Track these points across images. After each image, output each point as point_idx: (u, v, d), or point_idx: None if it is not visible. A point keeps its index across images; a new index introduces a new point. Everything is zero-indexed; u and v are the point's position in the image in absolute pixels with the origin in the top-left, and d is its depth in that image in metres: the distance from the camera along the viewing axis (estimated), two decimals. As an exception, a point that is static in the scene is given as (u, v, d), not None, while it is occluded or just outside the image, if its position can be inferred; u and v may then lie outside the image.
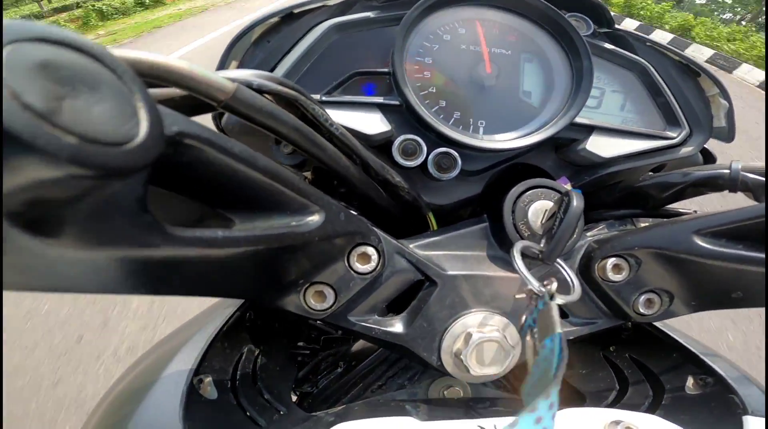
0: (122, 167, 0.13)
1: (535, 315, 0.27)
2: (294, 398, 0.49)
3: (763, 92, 5.18)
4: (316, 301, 0.31)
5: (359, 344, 0.52)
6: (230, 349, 0.42)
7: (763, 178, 0.35)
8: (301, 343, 0.51)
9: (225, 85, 0.23)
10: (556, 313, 0.26)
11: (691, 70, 0.46)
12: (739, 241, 0.30)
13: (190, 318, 0.50)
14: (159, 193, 0.21)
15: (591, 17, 0.45)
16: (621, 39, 0.46)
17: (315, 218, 0.25)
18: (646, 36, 0.47)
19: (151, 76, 0.21)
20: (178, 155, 0.19)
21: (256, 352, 0.44)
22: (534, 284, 0.28)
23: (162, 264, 0.21)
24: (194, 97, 0.23)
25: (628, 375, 0.45)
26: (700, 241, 0.30)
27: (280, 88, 0.27)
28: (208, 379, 0.37)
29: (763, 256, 0.29)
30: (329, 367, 0.50)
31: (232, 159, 0.20)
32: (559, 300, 0.28)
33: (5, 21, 0.12)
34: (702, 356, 0.41)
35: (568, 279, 0.30)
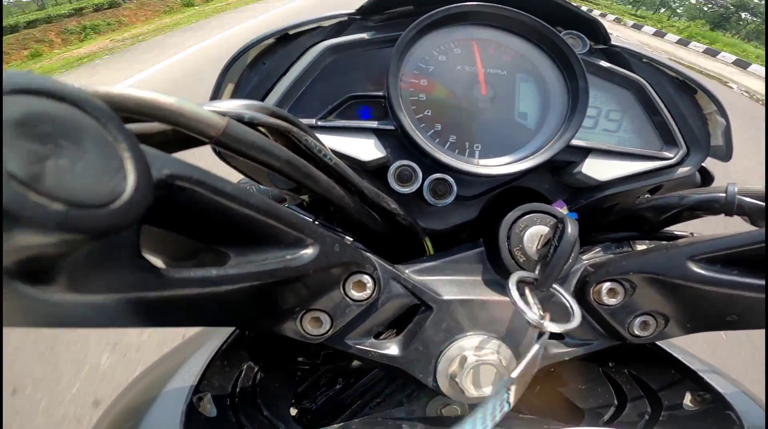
0: (111, 227, 0.13)
1: (538, 347, 0.28)
2: (294, 412, 0.49)
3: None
4: (312, 326, 0.31)
5: (358, 361, 0.52)
6: (230, 366, 0.43)
7: (761, 203, 0.35)
8: (300, 359, 0.51)
9: (215, 120, 0.23)
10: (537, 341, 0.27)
11: (688, 87, 0.45)
12: (734, 267, 0.30)
13: (190, 336, 0.51)
14: (152, 231, 0.21)
15: (587, 34, 0.45)
16: (617, 55, 0.45)
17: (309, 251, 0.25)
18: (642, 52, 0.46)
19: (138, 113, 0.21)
20: (169, 196, 0.19)
21: (256, 369, 0.44)
22: (533, 317, 0.28)
23: (158, 302, 0.21)
24: (180, 132, 0.23)
25: (627, 391, 0.45)
26: (694, 267, 0.30)
27: (272, 120, 0.27)
28: (208, 397, 0.37)
29: (758, 282, 0.29)
30: (328, 383, 0.50)
31: (224, 198, 0.21)
32: (557, 329, 0.28)
33: (18, 72, 0.13)
34: (700, 373, 0.42)
35: (568, 306, 0.30)
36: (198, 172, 0.20)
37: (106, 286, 0.18)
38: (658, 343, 0.45)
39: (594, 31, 0.44)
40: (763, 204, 0.35)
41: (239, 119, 0.25)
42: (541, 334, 0.29)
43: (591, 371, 0.47)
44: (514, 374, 0.27)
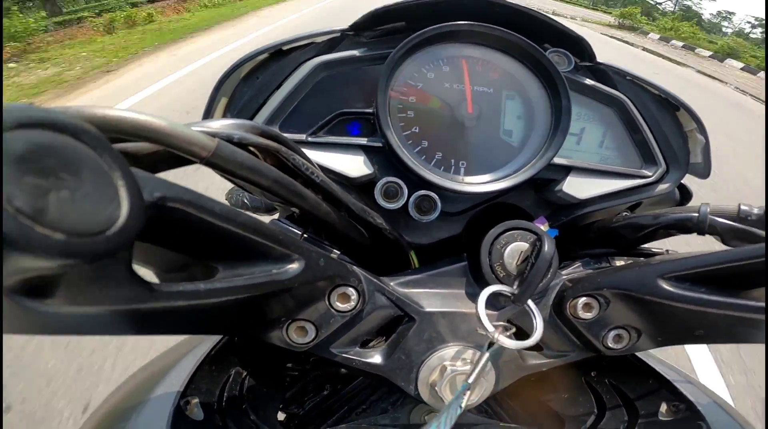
0: (107, 251, 0.15)
1: (486, 358, 0.30)
2: (281, 417, 0.50)
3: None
4: (297, 335, 0.32)
5: (344, 369, 0.53)
6: (218, 371, 0.44)
7: (732, 223, 0.36)
8: (289, 365, 0.52)
9: (205, 142, 0.24)
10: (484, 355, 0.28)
11: (670, 104, 0.47)
12: (702, 285, 0.31)
13: (179, 341, 0.52)
14: (144, 247, 0.22)
15: (573, 51, 0.46)
16: (602, 73, 0.47)
17: (295, 266, 0.26)
18: (626, 70, 0.47)
19: (132, 134, 0.22)
20: (160, 216, 0.20)
21: (244, 375, 0.45)
22: (488, 328, 0.29)
23: (150, 313, 0.22)
24: (172, 153, 0.24)
25: (606, 400, 0.46)
26: (664, 285, 0.32)
27: (261, 140, 0.28)
28: (195, 401, 0.38)
29: (723, 299, 0.30)
30: (316, 389, 0.51)
31: (213, 217, 0.22)
32: (509, 344, 0.29)
33: (7, 104, 0.13)
34: (676, 383, 0.43)
35: (534, 322, 0.31)
36: (187, 193, 0.21)
37: (100, 299, 0.19)
38: (637, 354, 0.46)
39: (580, 48, 0.46)
40: (734, 224, 0.36)
41: (229, 140, 0.26)
42: (490, 345, 0.30)
43: (574, 381, 0.48)
44: (470, 380, 0.28)
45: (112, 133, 0.20)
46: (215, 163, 0.24)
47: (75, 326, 0.21)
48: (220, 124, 0.27)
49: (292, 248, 0.26)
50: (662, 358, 0.48)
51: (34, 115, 0.14)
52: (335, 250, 0.38)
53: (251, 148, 0.29)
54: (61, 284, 0.17)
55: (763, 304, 0.29)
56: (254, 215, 0.25)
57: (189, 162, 0.25)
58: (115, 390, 0.47)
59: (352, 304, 0.32)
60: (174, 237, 0.22)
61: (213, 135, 0.25)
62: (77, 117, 0.18)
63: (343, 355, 0.35)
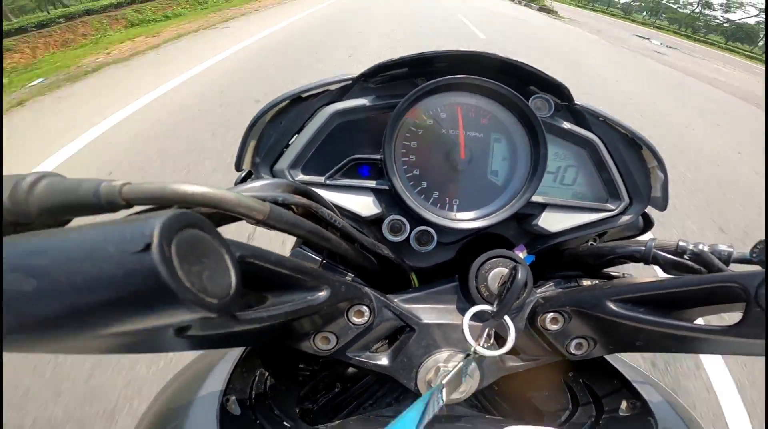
0: (231, 305, 0.22)
1: (462, 363, 0.38)
2: (298, 412, 0.58)
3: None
4: (322, 343, 0.40)
5: (353, 369, 0.61)
6: (247, 373, 0.51)
7: (672, 257, 0.43)
8: (302, 366, 0.60)
9: (261, 208, 0.31)
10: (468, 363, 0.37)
11: (635, 143, 0.53)
12: (641, 306, 0.39)
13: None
14: None
15: (555, 94, 0.52)
16: (578, 113, 0.53)
17: (323, 293, 0.35)
18: (599, 111, 0.53)
19: (206, 205, 0.28)
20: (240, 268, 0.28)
21: (266, 375, 0.53)
22: (470, 341, 0.38)
23: (232, 334, 0.31)
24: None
25: (579, 397, 0.53)
26: (611, 305, 0.39)
27: (298, 199, 0.36)
28: (233, 399, 0.46)
29: (656, 318, 0.38)
30: (327, 387, 0.59)
31: (271, 264, 0.30)
32: (486, 353, 0.37)
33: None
34: (636, 384, 0.50)
35: (509, 334, 0.40)
36: (256, 250, 0.29)
37: (211, 328, 0.27)
38: (607, 358, 0.54)
39: (560, 92, 0.52)
40: (673, 257, 0.43)
41: (275, 202, 0.34)
42: (467, 355, 0.39)
43: (554, 379, 0.56)
44: (445, 381, 0.37)
45: (199, 205, 0.28)
46: (268, 223, 0.32)
47: (191, 346, 0.30)
48: (263, 186, 0.35)
49: (321, 280, 0.35)
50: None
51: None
52: (349, 274, 0.46)
53: (291, 206, 0.37)
54: (195, 325, 0.25)
55: (690, 323, 0.36)
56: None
57: (238, 220, 0.33)
58: (161, 390, 0.54)
59: (366, 318, 0.40)
60: (245, 280, 0.30)
61: (263, 199, 0.33)
62: (187, 196, 0.26)
63: (357, 358, 0.43)
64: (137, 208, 0.26)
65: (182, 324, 0.22)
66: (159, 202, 0.26)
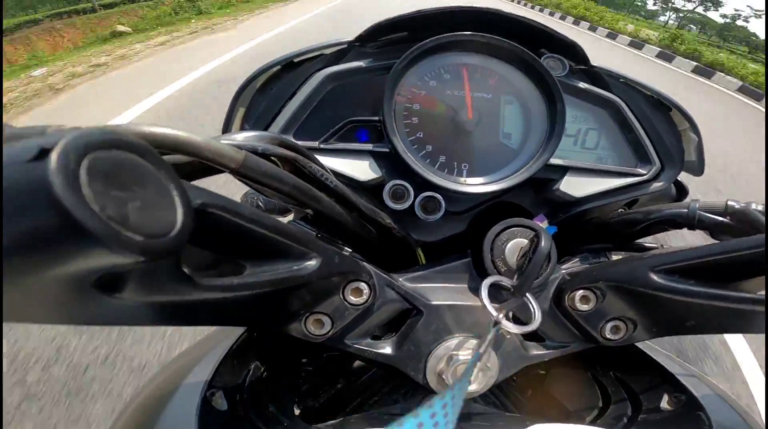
0: (170, 250, 0.17)
1: (491, 336, 0.32)
2: (297, 411, 0.53)
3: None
4: (315, 327, 0.35)
5: (358, 362, 0.56)
6: (239, 365, 0.47)
7: (719, 218, 0.38)
8: (304, 360, 0.55)
9: (234, 155, 0.27)
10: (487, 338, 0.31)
11: (663, 105, 0.48)
12: (691, 278, 0.33)
13: (202, 337, 0.55)
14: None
15: (568, 56, 0.48)
16: (596, 76, 0.49)
17: (313, 262, 0.29)
18: (619, 73, 0.49)
19: (173, 149, 0.25)
20: (201, 220, 0.23)
21: (262, 369, 0.48)
22: (492, 312, 0.32)
23: (190, 305, 0.25)
24: (206, 163, 0.27)
25: (611, 393, 0.48)
26: (655, 277, 0.34)
27: (281, 150, 0.31)
28: (219, 393, 0.41)
29: (711, 290, 0.32)
30: (329, 383, 0.54)
31: (244, 220, 0.25)
32: (513, 328, 0.32)
33: (86, 129, 0.16)
34: (678, 376, 0.44)
35: (533, 311, 0.34)
36: (223, 199, 0.24)
37: (156, 292, 0.22)
38: (641, 347, 0.48)
39: (574, 53, 0.48)
40: (722, 219, 0.38)
41: (254, 151, 0.29)
42: (495, 324, 0.33)
43: (580, 374, 0.50)
44: (481, 349, 0.31)
45: (158, 148, 0.24)
46: (243, 173, 0.28)
47: (132, 318, 0.24)
48: (244, 137, 0.30)
49: (310, 246, 0.29)
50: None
51: (111, 138, 0.17)
52: (347, 248, 0.41)
53: (272, 158, 0.32)
54: (128, 280, 0.20)
55: (754, 295, 0.30)
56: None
57: (219, 172, 0.28)
58: (146, 382, 0.50)
59: (365, 297, 0.35)
60: (209, 238, 0.25)
61: (239, 147, 0.28)
62: (139, 136, 0.21)
63: (356, 346, 0.38)
64: None
65: (99, 271, 0.17)
66: (117, 144, 0.21)
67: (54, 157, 0.13)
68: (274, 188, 0.30)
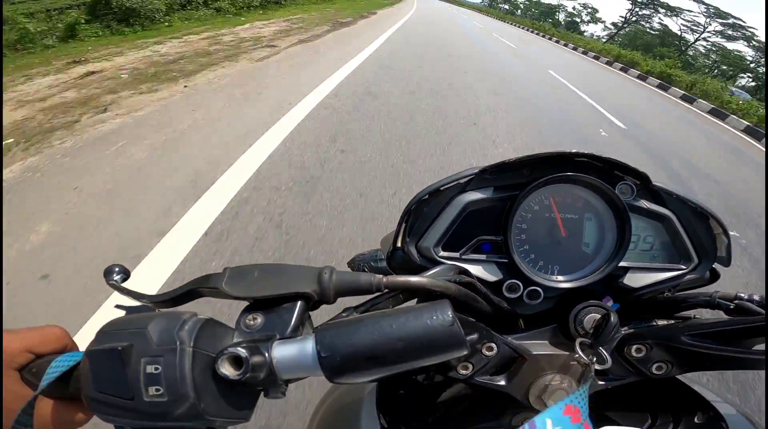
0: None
1: (592, 373, 0.50)
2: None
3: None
4: (463, 370, 0.54)
5: (454, 391, 0.73)
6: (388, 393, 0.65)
7: (731, 303, 0.55)
8: (401, 392, 0.69)
9: (451, 288, 0.44)
10: (590, 373, 0.49)
11: (703, 215, 0.62)
12: (708, 338, 0.47)
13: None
14: None
15: (637, 178, 0.61)
16: (655, 192, 0.62)
17: (474, 336, 0.49)
18: (673, 190, 0.62)
19: (433, 292, 0.43)
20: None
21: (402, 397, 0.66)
22: (584, 359, 0.50)
23: None
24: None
25: (658, 412, 0.64)
26: (685, 339, 0.48)
27: (466, 278, 0.50)
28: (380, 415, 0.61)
29: (721, 347, 0.48)
30: (431, 410, 0.69)
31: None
32: (598, 366, 0.50)
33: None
34: (707, 399, 0.60)
35: (604, 357, 0.51)
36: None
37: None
38: (682, 380, 0.63)
39: (641, 178, 0.62)
40: (728, 303, 0.56)
41: (454, 281, 0.47)
42: (588, 366, 0.50)
43: (635, 400, 0.66)
44: (593, 372, 0.47)
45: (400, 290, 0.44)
46: (455, 297, 0.44)
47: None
48: (444, 272, 0.52)
49: (470, 326, 0.49)
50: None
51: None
52: (478, 322, 0.59)
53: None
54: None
55: (750, 349, 0.47)
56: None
57: (443, 296, 0.44)
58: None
59: (493, 352, 0.54)
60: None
61: (449, 281, 0.46)
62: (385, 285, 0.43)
63: (483, 381, 0.56)
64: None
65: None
66: (406, 290, 0.44)
67: (456, 324, 0.34)
68: (463, 300, 0.49)
